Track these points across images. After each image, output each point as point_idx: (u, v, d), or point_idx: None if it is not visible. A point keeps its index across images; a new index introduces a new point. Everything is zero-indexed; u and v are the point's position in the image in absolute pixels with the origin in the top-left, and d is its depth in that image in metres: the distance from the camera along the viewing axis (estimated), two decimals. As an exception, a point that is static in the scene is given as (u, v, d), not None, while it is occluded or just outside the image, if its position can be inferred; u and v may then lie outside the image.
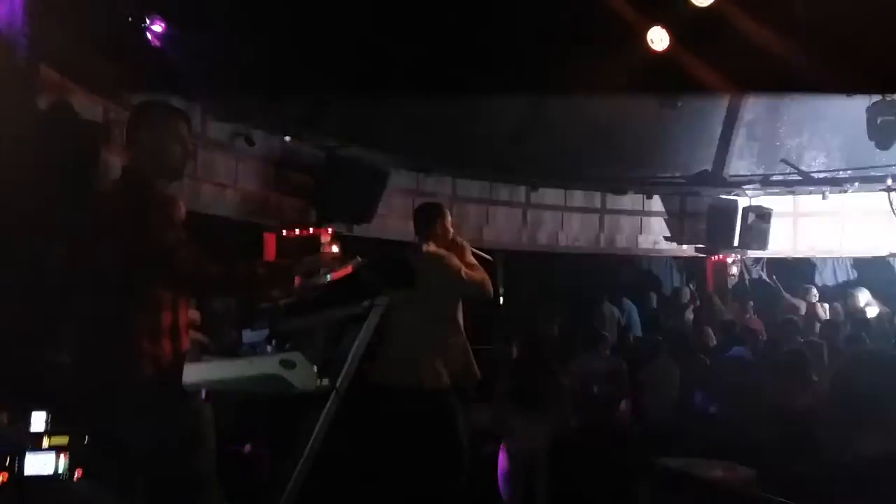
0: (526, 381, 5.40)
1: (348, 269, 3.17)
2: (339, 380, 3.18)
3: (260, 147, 8.02)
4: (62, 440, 3.05)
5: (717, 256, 10.81)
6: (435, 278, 4.26)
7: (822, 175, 10.20)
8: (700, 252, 10.94)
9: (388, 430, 4.14)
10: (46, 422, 3.09)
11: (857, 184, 10.00)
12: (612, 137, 9.15)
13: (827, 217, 10.47)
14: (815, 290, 9.84)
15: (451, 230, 4.53)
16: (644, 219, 10.97)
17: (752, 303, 9.93)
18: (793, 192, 10.57)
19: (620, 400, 6.37)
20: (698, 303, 10.24)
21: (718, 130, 10.09)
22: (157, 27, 6.11)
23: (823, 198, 10.35)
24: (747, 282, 10.86)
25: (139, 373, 2.83)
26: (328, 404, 3.13)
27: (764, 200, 10.57)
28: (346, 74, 7.16)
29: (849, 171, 10.01)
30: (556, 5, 7.02)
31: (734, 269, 10.84)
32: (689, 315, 9.98)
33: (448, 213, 4.59)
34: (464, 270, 4.30)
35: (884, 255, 10.00)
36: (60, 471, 3.01)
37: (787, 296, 9.90)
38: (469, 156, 9.20)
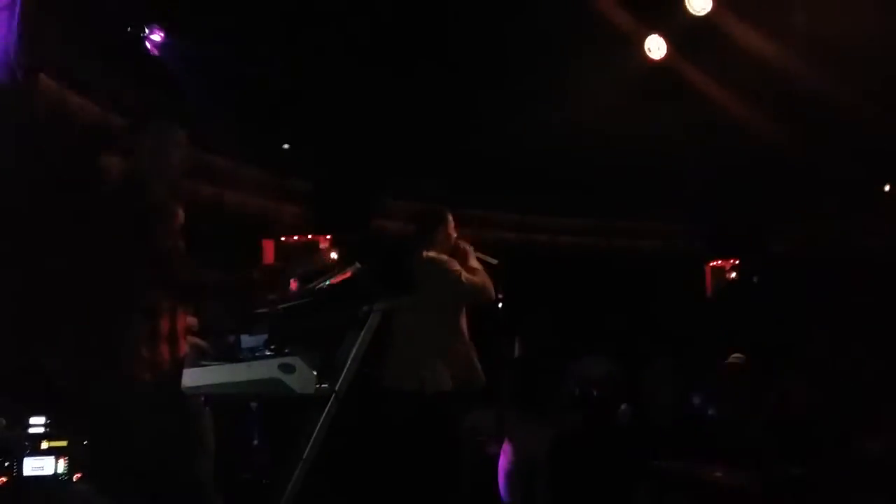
0: (528, 384, 5.42)
1: (347, 275, 3.19)
2: (339, 383, 3.20)
3: (259, 152, 8.05)
4: (61, 443, 3.07)
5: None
6: (434, 284, 4.28)
7: None
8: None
9: (389, 434, 4.16)
10: (45, 425, 3.11)
11: None
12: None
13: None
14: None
15: (454, 235, 4.54)
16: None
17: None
18: None
19: (620, 403, 6.38)
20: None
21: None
22: (157, 36, 6.15)
23: None
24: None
25: (137, 378, 2.84)
26: (327, 408, 3.15)
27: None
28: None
29: None
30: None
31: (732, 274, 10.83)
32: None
33: (450, 217, 4.57)
34: (464, 276, 4.31)
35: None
36: (59, 473, 3.02)
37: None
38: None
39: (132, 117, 3.27)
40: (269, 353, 2.94)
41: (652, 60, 7.66)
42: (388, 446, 4.17)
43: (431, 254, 4.39)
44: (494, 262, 4.64)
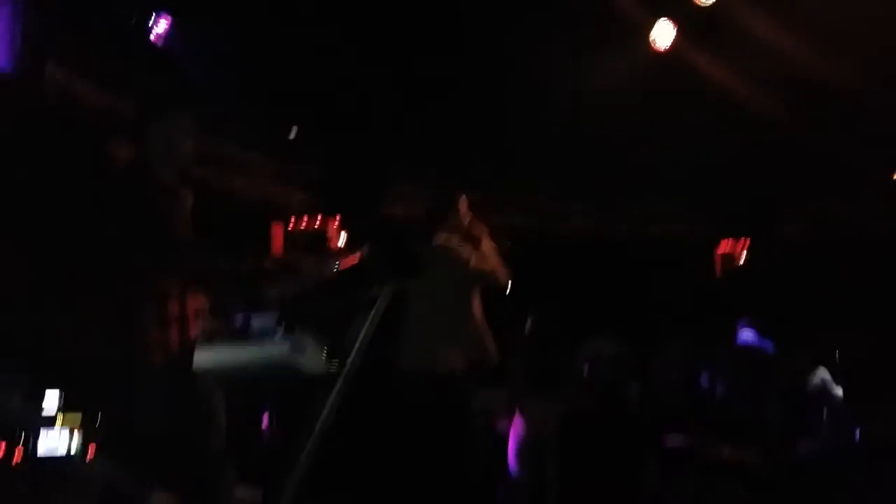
0: (538, 363, 5.45)
1: (356, 258, 3.22)
2: (348, 364, 3.24)
3: (266, 138, 8.07)
4: (75, 419, 3.10)
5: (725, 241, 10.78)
6: (443, 269, 4.30)
7: None
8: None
9: (401, 415, 4.20)
10: (59, 400, 3.14)
11: None
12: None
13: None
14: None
15: (467, 218, 4.53)
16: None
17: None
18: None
19: (629, 382, 6.39)
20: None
21: None
22: (163, 23, 6.16)
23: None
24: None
25: (149, 360, 2.87)
26: (336, 387, 3.18)
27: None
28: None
29: None
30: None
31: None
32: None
33: (463, 201, 4.55)
34: (473, 259, 4.32)
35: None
36: (73, 449, 3.06)
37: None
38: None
39: (141, 105, 3.28)
40: (279, 334, 2.97)
41: (660, 45, 7.65)
42: (400, 426, 4.20)
43: (442, 238, 4.40)
44: (509, 244, 4.64)
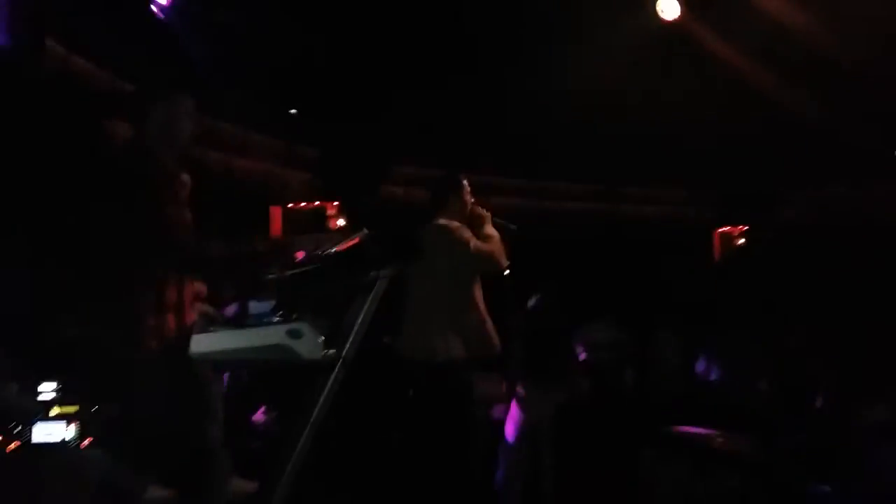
0: (536, 350, 5.46)
1: (355, 241, 3.20)
2: (346, 349, 3.22)
3: (266, 119, 8.03)
4: (71, 409, 3.10)
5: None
6: (443, 252, 4.27)
7: None
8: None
9: (401, 402, 4.20)
10: (56, 391, 3.14)
11: None
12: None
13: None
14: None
15: (470, 201, 4.51)
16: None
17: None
18: None
19: (626, 368, 6.42)
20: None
21: None
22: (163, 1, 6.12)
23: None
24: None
25: (145, 347, 2.87)
26: (334, 373, 3.17)
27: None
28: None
29: None
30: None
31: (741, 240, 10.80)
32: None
33: (466, 184, 4.52)
34: (473, 243, 4.28)
35: None
36: (69, 439, 3.06)
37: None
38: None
39: (141, 84, 3.25)
40: (276, 320, 2.95)
41: (664, 22, 7.59)
42: (399, 415, 4.20)
43: (443, 221, 4.37)
44: (514, 227, 4.60)
